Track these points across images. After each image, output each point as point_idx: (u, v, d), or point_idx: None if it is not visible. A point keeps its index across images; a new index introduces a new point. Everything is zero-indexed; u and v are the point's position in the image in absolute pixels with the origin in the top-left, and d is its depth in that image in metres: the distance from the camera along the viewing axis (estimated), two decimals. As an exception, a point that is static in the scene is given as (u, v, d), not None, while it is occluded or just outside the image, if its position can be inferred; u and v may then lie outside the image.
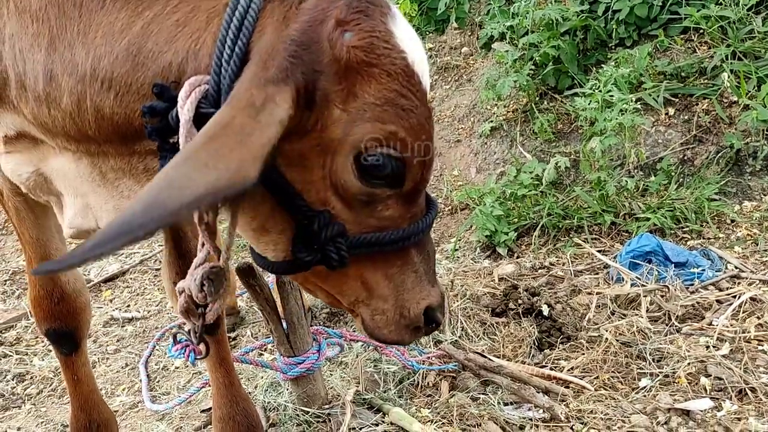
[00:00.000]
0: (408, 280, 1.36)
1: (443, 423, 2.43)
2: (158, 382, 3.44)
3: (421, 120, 1.23)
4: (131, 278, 4.94)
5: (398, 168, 1.24)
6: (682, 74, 4.42)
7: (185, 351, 1.65)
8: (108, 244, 0.96)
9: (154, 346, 3.76)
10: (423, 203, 1.37)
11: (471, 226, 4.32)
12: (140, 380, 3.43)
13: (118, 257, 5.32)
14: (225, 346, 2.29)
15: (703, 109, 4.24)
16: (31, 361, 3.79)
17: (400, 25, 1.23)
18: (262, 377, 3.01)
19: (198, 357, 1.69)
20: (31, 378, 3.61)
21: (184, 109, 1.17)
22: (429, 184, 1.42)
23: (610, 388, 2.55)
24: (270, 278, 3.10)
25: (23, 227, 2.02)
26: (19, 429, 3.11)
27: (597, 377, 2.62)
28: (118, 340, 3.98)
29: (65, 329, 2.19)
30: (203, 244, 1.30)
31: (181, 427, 2.87)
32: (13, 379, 3.57)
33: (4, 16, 1.38)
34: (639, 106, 3.83)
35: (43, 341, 4.05)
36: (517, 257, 3.99)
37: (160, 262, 5.14)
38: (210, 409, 3.04)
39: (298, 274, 1.38)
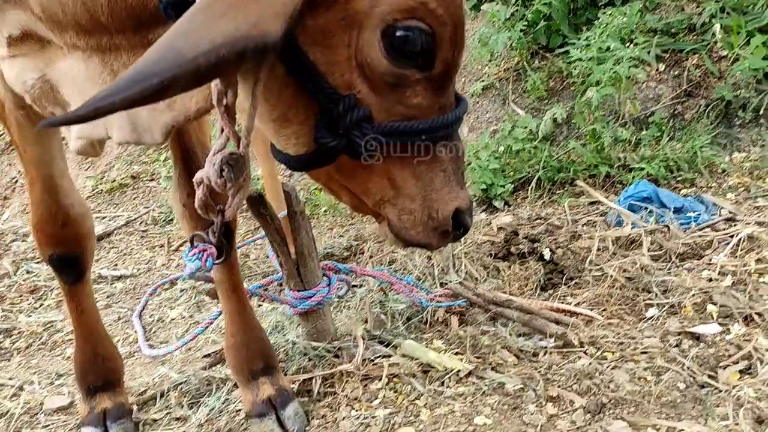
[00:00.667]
0: (436, 180, 1.30)
1: (456, 353, 2.42)
2: (154, 333, 3.37)
3: None
4: (117, 239, 4.82)
5: (429, 45, 1.17)
6: (672, 30, 4.46)
7: (202, 255, 1.59)
8: (120, 93, 0.92)
9: (147, 301, 3.69)
10: (452, 95, 1.31)
11: (467, 181, 4.31)
12: (135, 332, 3.36)
13: (101, 220, 5.20)
14: (237, 273, 2.25)
15: (693, 64, 4.29)
16: (17, 318, 3.68)
17: None
18: (265, 320, 2.97)
19: (216, 261, 1.64)
20: (19, 333, 3.50)
21: None
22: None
23: (618, 318, 2.58)
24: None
25: (26, 144, 1.93)
26: (11, 379, 3.01)
27: (605, 309, 2.64)
28: (108, 296, 3.89)
29: (70, 255, 2.11)
30: (222, 130, 1.23)
31: (184, 370, 2.81)
32: (-1, 334, 3.47)
33: None
34: (634, 56, 3.84)
35: (28, 299, 3.94)
36: (514, 209, 4.00)
37: (146, 223, 5.05)
38: (212, 354, 3.00)
39: (321, 171, 1.32)
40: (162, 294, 3.79)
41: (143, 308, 3.60)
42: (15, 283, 4.10)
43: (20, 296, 3.97)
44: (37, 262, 4.36)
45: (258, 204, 2.32)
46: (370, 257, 3.53)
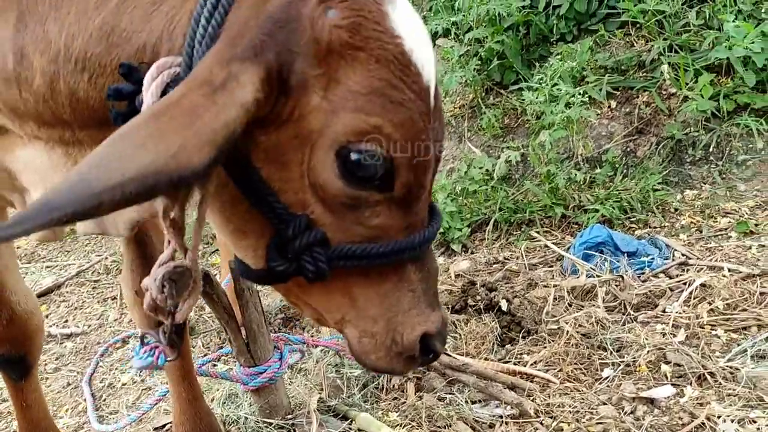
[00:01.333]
0: (403, 301, 1.19)
1: (412, 426, 2.37)
2: (104, 400, 3.25)
3: (414, 116, 1.08)
4: (67, 291, 4.67)
5: (385, 168, 1.08)
6: (622, 68, 4.52)
7: (154, 353, 1.52)
8: (22, 224, 0.86)
9: (98, 363, 3.57)
10: (423, 212, 1.20)
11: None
12: (84, 399, 3.24)
13: (52, 269, 5.04)
14: (189, 359, 2.18)
15: (643, 101, 4.35)
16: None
17: (400, 8, 1.09)
18: (218, 389, 2.88)
19: (168, 359, 1.57)
20: (-39, 404, 3.35)
21: (149, 92, 1.06)
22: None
23: (574, 380, 2.56)
24: (226, 283, 2.98)
25: None
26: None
27: (560, 369, 2.62)
28: (57, 358, 3.75)
29: (15, 354, 2.02)
30: (169, 242, 1.16)
31: (134, 446, 2.71)
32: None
33: None
34: (585, 99, 3.88)
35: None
36: (472, 253, 3.99)
37: (98, 273, 4.90)
38: (163, 426, 2.91)
39: (279, 285, 1.25)
40: (113, 354, 3.68)
41: (93, 372, 3.48)
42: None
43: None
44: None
45: (204, 283, 2.24)
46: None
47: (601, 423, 2.24)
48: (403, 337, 1.20)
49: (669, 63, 4.21)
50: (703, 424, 2.14)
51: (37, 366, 2.13)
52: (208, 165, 0.93)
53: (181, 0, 1.11)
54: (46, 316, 4.31)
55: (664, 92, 4.31)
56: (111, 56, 1.14)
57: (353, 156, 1.06)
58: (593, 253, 3.40)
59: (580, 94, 3.93)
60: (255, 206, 1.12)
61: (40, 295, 4.60)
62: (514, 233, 4.08)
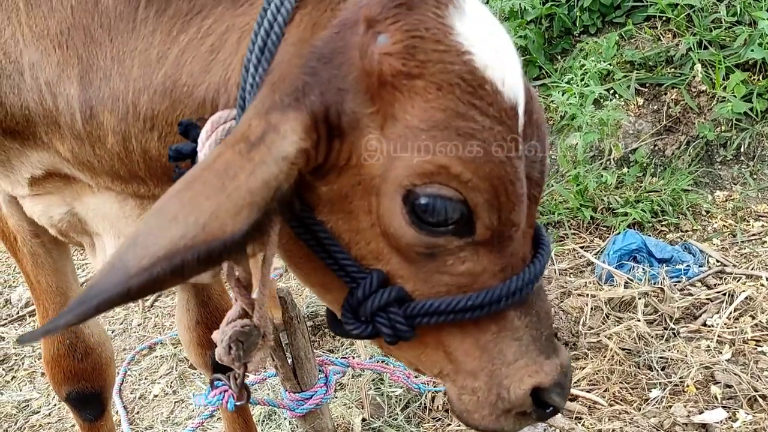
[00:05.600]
0: (507, 352, 1.03)
1: (463, 452, 2.35)
2: (137, 413, 3.23)
3: (490, 147, 0.91)
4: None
5: (460, 211, 0.94)
6: (650, 63, 4.43)
7: (223, 396, 1.49)
8: (70, 313, 0.79)
9: (126, 371, 3.53)
10: (522, 250, 1.03)
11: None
12: (116, 412, 3.21)
13: (69, 268, 4.98)
14: None
15: (672, 99, 4.27)
16: (-11, 396, 3.49)
17: (470, 16, 0.93)
18: (256, 409, 2.86)
19: (238, 403, 1.54)
20: (-8, 416, 3.32)
21: (202, 152, 0.99)
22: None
23: (621, 401, 2.54)
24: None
25: (41, 274, 1.77)
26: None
27: (607, 389, 2.60)
28: (83, 366, 3.71)
29: (91, 390, 1.92)
30: (235, 300, 1.10)
31: (175, 469, 2.69)
32: (-28, 420, 3.28)
33: (20, 43, 1.16)
34: (619, 102, 3.80)
35: (-4, 372, 3.74)
36: (500, 256, 3.94)
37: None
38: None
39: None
40: (141, 362, 3.64)
41: (122, 381, 3.45)
42: (-17, 352, 3.89)
43: (-12, 368, 3.77)
44: (4, 325, 4.16)
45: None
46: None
47: (656, 451, 2.22)
48: (509, 392, 1.05)
49: (699, 60, 4.12)
50: (763, 455, 2.12)
51: (110, 404, 2.03)
52: (246, 232, 0.83)
53: (235, 45, 1.01)
54: (68, 321, 4.26)
55: (693, 89, 4.23)
56: (176, 112, 1.06)
57: (421, 201, 0.92)
58: (626, 262, 3.36)
59: (608, 92, 3.85)
60: (326, 263, 1.02)
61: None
62: (543, 235, 4.03)
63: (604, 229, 3.92)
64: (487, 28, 0.95)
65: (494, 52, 0.93)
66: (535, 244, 1.06)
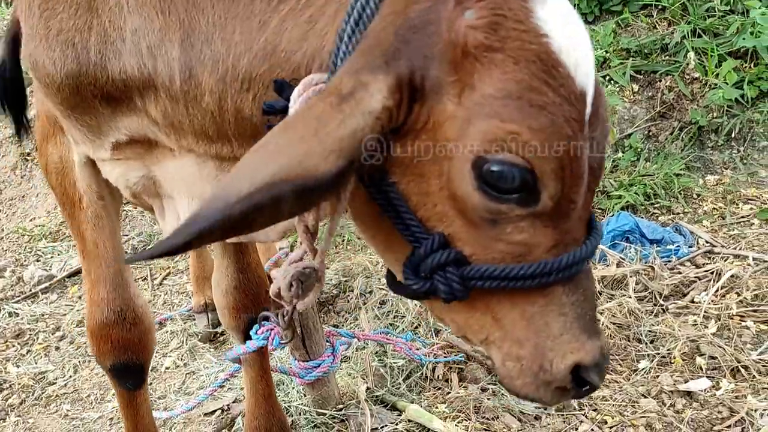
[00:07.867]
0: (553, 325, 1.08)
1: (462, 419, 2.50)
2: (150, 384, 3.36)
3: (558, 121, 0.97)
4: (97, 271, 4.74)
5: (527, 181, 0.98)
6: (645, 51, 4.55)
7: (270, 334, 1.62)
8: (175, 238, 0.90)
9: (139, 345, 3.67)
10: (576, 231, 1.08)
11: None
12: (129, 383, 3.35)
13: (78, 248, 5.09)
14: (267, 358, 2.26)
15: (666, 86, 4.40)
16: (5, 368, 3.63)
17: (551, 3, 1.01)
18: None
19: (282, 342, 1.67)
20: (10, 387, 3.46)
21: (293, 108, 1.09)
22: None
23: (612, 371, 2.69)
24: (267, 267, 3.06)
25: (100, 237, 1.78)
26: (10, 444, 3.00)
27: (598, 361, 2.74)
28: (96, 341, 3.85)
29: (136, 361, 1.90)
30: (301, 243, 1.21)
31: (188, 434, 2.84)
32: (-9, 390, 3.42)
33: (123, 10, 1.27)
34: (615, 89, 3.92)
35: (13, 344, 3.87)
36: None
37: (126, 252, 4.96)
38: (213, 412, 3.03)
39: (424, 301, 1.22)
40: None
41: (135, 355, 3.58)
42: (-5, 326, 4.02)
43: (5, 342, 3.90)
44: (17, 302, 4.29)
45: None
46: (360, 295, 3.58)
47: (644, 417, 2.37)
48: (552, 365, 1.09)
49: (693, 48, 4.24)
50: (743, 419, 2.27)
51: (148, 372, 2.04)
52: (334, 174, 0.92)
53: (332, 17, 1.10)
54: (80, 297, 4.40)
55: (687, 76, 4.36)
56: (273, 75, 1.15)
57: (489, 167, 0.98)
58: (619, 242, 3.50)
59: (604, 79, 3.96)
60: (393, 222, 1.10)
61: (69, 276, 4.68)
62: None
63: (599, 211, 4.06)
64: (566, 17, 1.02)
65: (570, 39, 1.00)
66: (589, 230, 1.12)
